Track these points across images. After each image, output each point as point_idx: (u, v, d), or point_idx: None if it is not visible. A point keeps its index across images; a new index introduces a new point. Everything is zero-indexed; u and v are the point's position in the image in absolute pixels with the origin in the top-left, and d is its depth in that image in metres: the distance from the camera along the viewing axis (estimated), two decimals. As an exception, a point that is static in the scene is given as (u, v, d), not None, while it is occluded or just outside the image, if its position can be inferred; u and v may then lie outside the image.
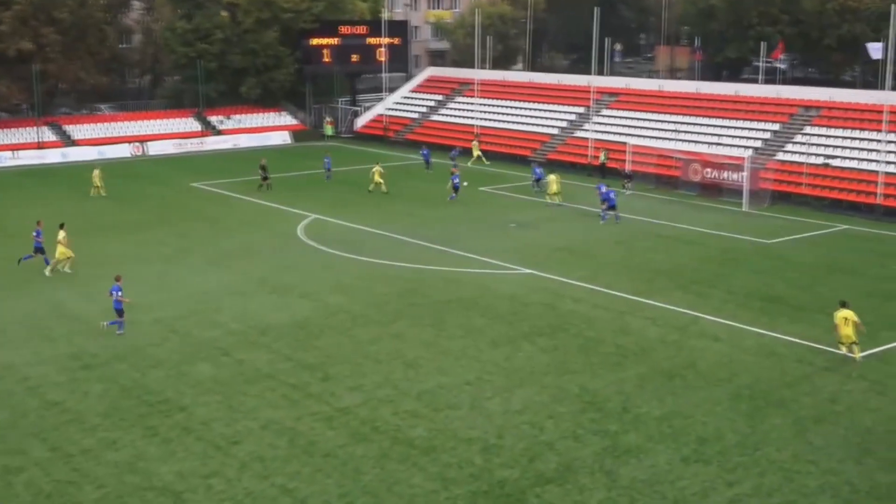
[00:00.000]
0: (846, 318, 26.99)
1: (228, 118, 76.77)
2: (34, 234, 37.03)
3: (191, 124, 75.02)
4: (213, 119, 76.13)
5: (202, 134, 73.91)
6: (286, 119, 79.47)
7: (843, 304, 27.36)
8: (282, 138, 76.57)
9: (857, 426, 22.98)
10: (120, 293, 29.37)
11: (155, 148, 70.77)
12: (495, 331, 29.92)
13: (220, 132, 75.24)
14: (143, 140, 71.17)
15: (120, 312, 29.43)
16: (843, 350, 27.35)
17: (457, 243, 41.49)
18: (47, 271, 36.18)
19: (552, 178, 50.56)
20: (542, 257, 39.19)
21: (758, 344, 28.72)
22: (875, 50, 54.89)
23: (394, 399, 24.54)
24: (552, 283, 35.45)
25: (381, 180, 53.40)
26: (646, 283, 35.29)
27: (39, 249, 36.84)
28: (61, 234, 36.50)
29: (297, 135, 77.35)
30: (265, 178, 54.26)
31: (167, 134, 73.03)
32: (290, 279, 35.83)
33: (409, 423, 23.11)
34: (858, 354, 27.17)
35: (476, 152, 64.70)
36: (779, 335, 29.40)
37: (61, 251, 36.21)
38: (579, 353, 27.92)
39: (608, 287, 34.73)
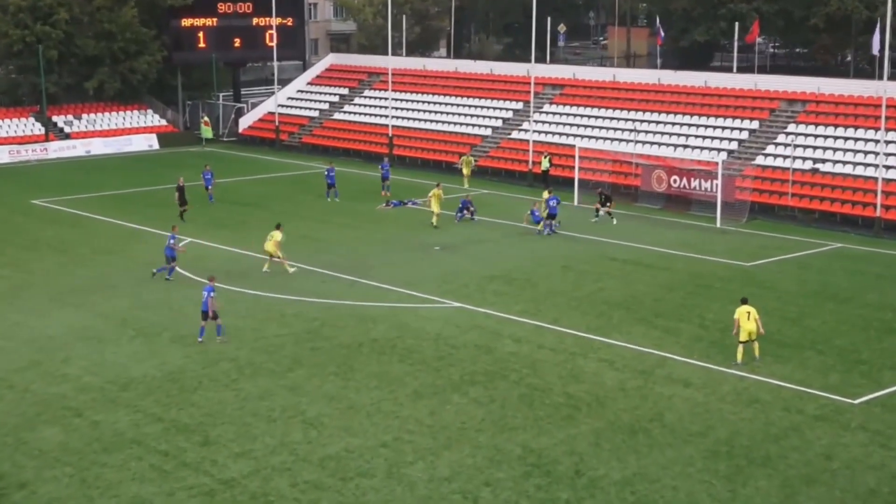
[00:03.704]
0: (749, 313, 30.81)
1: (78, 118, 75.84)
2: (169, 239, 40.58)
3: (30, 126, 73.91)
4: (59, 119, 75.13)
5: (45, 138, 72.84)
6: (152, 119, 78.83)
7: (744, 301, 31.32)
8: (147, 142, 75.92)
9: (858, 487, 23.47)
10: (213, 293, 33.13)
11: (-17, 156, 69.61)
12: (417, 380, 29.94)
13: (68, 136, 74.30)
14: (-32, 146, 70.00)
15: (206, 315, 32.96)
16: (739, 356, 30.76)
17: (368, 271, 41.51)
18: (289, 269, 41.16)
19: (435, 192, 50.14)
20: (474, 287, 39.39)
21: (737, 389, 29.20)
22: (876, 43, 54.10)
23: (291, 467, 24.39)
24: (487, 318, 35.64)
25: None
26: (600, 318, 35.69)
27: (172, 258, 40.34)
28: (278, 235, 41.40)
29: (165, 138, 76.77)
30: (183, 204, 51.10)
31: (-1, 138, 71.97)
32: (159, 320, 35.45)
33: (310, 496, 22.99)
34: (757, 352, 30.95)
35: (466, 170, 61.03)
36: (762, 378, 29.93)
37: (272, 248, 41.23)
38: (521, 406, 28.08)
39: (555, 323, 35.04)
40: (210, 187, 55.92)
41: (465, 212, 51.08)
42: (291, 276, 40.82)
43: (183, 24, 78.39)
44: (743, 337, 30.79)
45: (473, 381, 29.75)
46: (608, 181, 56.98)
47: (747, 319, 30.70)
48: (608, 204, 51.31)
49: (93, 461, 24.70)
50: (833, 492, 23.20)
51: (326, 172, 57.43)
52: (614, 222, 50.36)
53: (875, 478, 23.91)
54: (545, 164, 60.24)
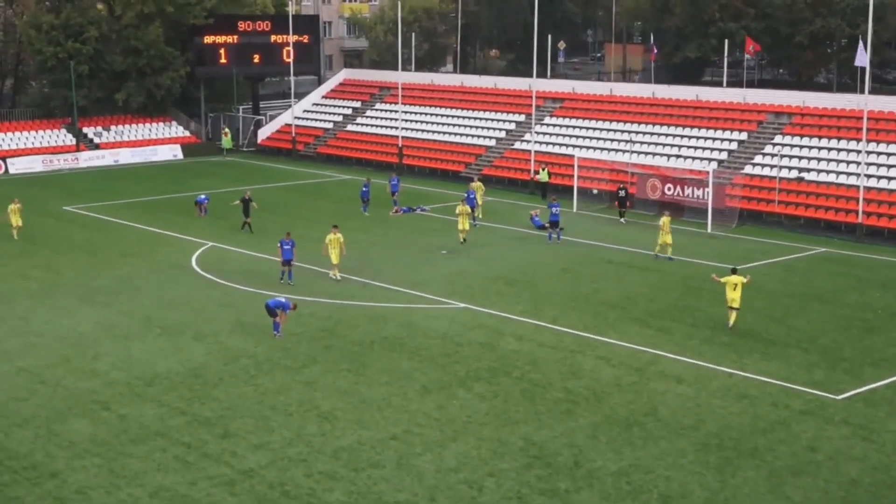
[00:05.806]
0: (736, 284, 33.28)
1: (107, 130, 75.92)
2: (279, 244, 40.12)
3: (62, 137, 74.00)
4: (89, 131, 75.22)
5: (76, 148, 72.95)
6: (176, 130, 78.87)
7: (734, 271, 34.08)
8: (172, 153, 75.96)
9: (841, 478, 23.42)
10: (289, 311, 32.87)
11: (18, 165, 69.62)
12: (425, 376, 29.91)
13: (97, 146, 74.35)
14: (3, 156, 69.95)
15: (270, 312, 32.91)
16: (731, 320, 33.31)
17: (378, 274, 41.48)
18: (336, 275, 40.35)
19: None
20: (478, 289, 39.36)
21: (726, 385, 29.15)
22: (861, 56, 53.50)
23: (306, 458, 24.38)
24: (490, 318, 35.60)
25: None
26: (597, 317, 35.64)
27: (287, 262, 39.81)
28: (337, 237, 40.16)
29: (189, 148, 76.79)
30: (247, 216, 49.54)
31: (33, 149, 71.96)
32: (182, 318, 35.44)
33: (324, 485, 22.96)
34: (733, 321, 33.41)
35: (479, 200, 53.18)
36: (750, 375, 29.89)
37: (332, 252, 40.16)
38: (523, 400, 28.04)
39: (554, 322, 35.00)
40: (205, 202, 53.84)
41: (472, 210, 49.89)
42: (305, 277, 40.73)
43: (205, 40, 78.42)
44: (729, 304, 33.40)
45: (478, 377, 29.72)
46: (605, 189, 56.88)
47: (733, 290, 33.22)
48: (625, 205, 52.75)
49: (120, 452, 24.70)
50: (818, 482, 23.15)
51: (364, 186, 54.86)
52: (622, 221, 51.81)
53: (857, 469, 23.86)
54: (544, 176, 60.13)
